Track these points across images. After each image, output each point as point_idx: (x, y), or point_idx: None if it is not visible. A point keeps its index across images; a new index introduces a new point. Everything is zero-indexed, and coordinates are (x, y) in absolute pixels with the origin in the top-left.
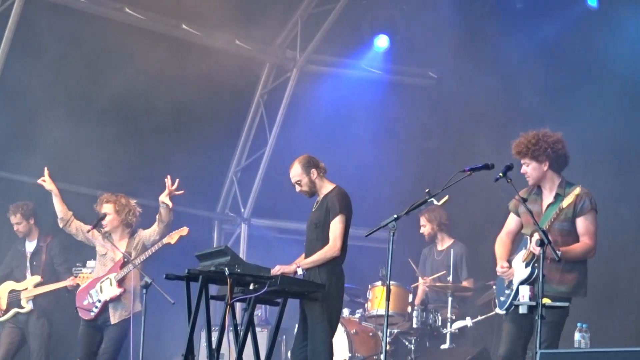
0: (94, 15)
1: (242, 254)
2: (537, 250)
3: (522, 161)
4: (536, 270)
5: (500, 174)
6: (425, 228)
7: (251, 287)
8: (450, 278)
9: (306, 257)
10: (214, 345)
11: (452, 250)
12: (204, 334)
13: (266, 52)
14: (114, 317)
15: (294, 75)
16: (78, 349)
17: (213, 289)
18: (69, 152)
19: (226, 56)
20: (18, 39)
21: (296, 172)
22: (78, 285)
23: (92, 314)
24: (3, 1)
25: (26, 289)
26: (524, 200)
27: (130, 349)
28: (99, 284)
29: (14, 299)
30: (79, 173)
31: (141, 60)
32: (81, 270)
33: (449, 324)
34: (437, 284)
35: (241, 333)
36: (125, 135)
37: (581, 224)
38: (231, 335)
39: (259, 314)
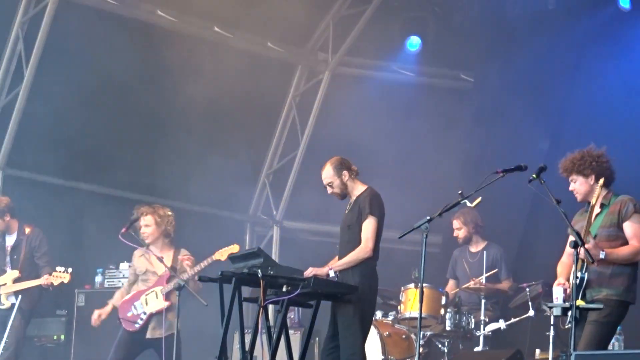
0: (126, 17)
1: (274, 257)
2: (582, 254)
3: (569, 179)
4: (586, 275)
5: (534, 175)
6: (461, 231)
7: (284, 289)
8: (483, 280)
9: (339, 259)
10: (247, 348)
11: (486, 252)
12: (237, 336)
13: (298, 54)
14: (154, 332)
15: (325, 77)
16: (112, 351)
17: (246, 291)
18: (103, 155)
19: (258, 59)
20: (50, 42)
21: (328, 174)
22: (52, 285)
23: (136, 325)
24: (36, 4)
25: (5, 284)
26: (558, 202)
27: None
28: (144, 297)
29: None
30: (112, 175)
31: (173, 63)
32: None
33: (482, 326)
34: (471, 286)
35: (274, 335)
36: (159, 138)
37: (628, 228)
38: (264, 337)
39: (292, 316)
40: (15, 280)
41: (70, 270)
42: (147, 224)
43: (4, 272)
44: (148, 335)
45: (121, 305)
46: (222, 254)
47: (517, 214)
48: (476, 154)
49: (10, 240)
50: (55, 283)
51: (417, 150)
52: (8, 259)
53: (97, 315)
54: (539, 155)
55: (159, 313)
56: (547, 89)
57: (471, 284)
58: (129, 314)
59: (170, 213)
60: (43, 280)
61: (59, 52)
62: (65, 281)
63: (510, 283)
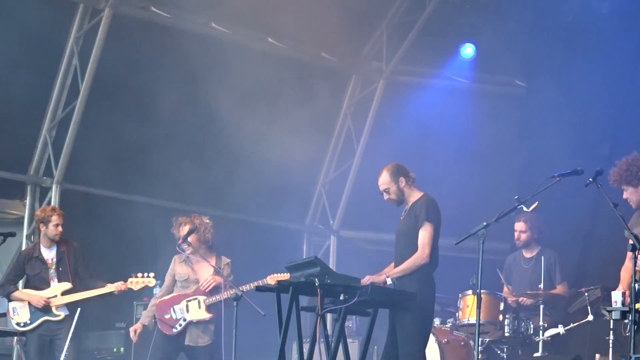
0: (180, 30)
1: (331, 266)
2: None
3: (622, 188)
4: None
5: (590, 179)
6: (524, 234)
7: (341, 297)
8: (541, 285)
9: (395, 266)
10: (305, 357)
11: (542, 256)
12: (295, 346)
13: (352, 64)
14: (196, 339)
15: (380, 86)
16: (150, 353)
17: (303, 300)
18: (157, 167)
19: (312, 69)
20: (104, 56)
21: (384, 180)
22: (122, 291)
23: (174, 330)
24: (90, 19)
25: (55, 296)
26: (615, 206)
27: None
28: (185, 302)
29: (39, 308)
30: (166, 187)
31: (227, 74)
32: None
33: (541, 332)
34: (529, 292)
35: (332, 344)
36: (213, 150)
37: None
38: (322, 346)
39: (350, 325)
40: (66, 292)
41: (152, 274)
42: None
43: (48, 285)
44: (187, 342)
45: (159, 304)
46: (273, 279)
47: (579, 218)
48: (533, 160)
49: (50, 253)
50: (136, 288)
51: (472, 156)
52: (53, 271)
53: (134, 332)
54: (598, 161)
55: (198, 323)
56: (603, 94)
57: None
58: (167, 316)
59: (207, 220)
60: (118, 285)
61: (113, 66)
62: (151, 284)
63: (565, 287)
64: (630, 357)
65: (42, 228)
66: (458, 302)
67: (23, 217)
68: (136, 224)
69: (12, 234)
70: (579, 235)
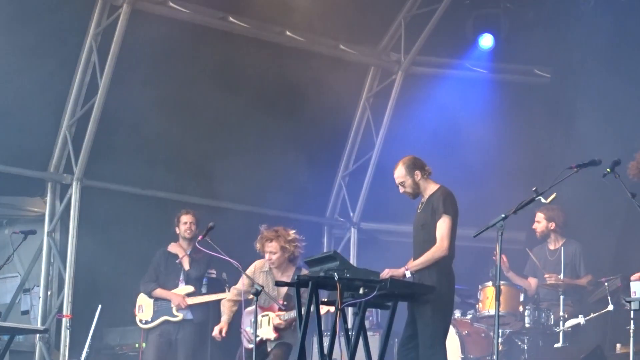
0: (199, 25)
1: (352, 258)
2: None
3: None
4: None
5: (608, 170)
6: (540, 225)
7: (361, 291)
8: (561, 276)
9: (415, 258)
10: (325, 351)
11: (564, 248)
12: (315, 340)
13: (370, 55)
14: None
15: (399, 77)
16: None
17: (323, 295)
18: (178, 163)
19: (331, 61)
20: (123, 53)
21: (400, 173)
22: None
23: (250, 345)
24: (108, 16)
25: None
26: (633, 196)
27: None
28: (261, 317)
29: (161, 307)
30: (188, 183)
31: (246, 69)
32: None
33: (561, 323)
34: (549, 282)
35: (352, 338)
36: (231, 144)
37: None
38: (342, 340)
39: (370, 318)
40: (189, 295)
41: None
42: (272, 251)
43: (176, 285)
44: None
45: (245, 313)
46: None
47: (591, 209)
48: (554, 150)
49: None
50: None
51: (492, 147)
52: (182, 274)
53: (219, 331)
54: (619, 151)
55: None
56: (626, 83)
57: (547, 280)
58: (247, 328)
59: (293, 234)
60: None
61: (132, 63)
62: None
63: (589, 279)
64: None
65: None
66: (478, 294)
67: (44, 215)
68: (160, 221)
69: (33, 232)
70: (599, 226)
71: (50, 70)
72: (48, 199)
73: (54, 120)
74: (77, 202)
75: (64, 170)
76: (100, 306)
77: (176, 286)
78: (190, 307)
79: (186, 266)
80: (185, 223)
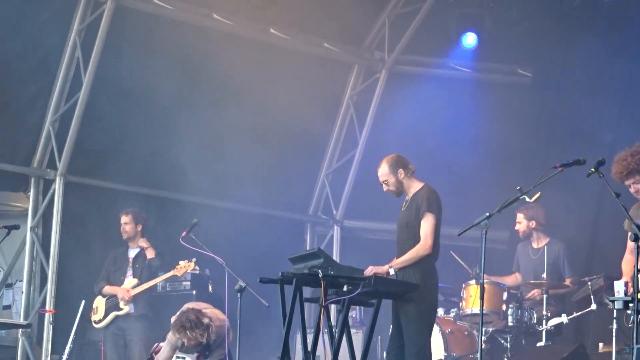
0: (182, 21)
1: (335, 256)
2: None
3: (626, 183)
4: None
5: (592, 169)
6: (521, 225)
7: (345, 288)
8: (544, 275)
9: (398, 257)
10: (309, 348)
11: (547, 248)
12: (299, 337)
13: (354, 53)
14: None
15: (382, 76)
16: None
17: (307, 292)
18: (161, 159)
19: (315, 59)
20: (107, 49)
21: (383, 171)
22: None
23: None
24: (92, 11)
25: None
26: (617, 195)
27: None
28: None
29: (112, 304)
30: (171, 179)
31: (229, 66)
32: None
33: (544, 321)
34: (532, 282)
35: (336, 335)
36: (216, 140)
37: None
38: (326, 337)
39: (354, 316)
40: (134, 287)
41: (194, 259)
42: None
43: (122, 281)
44: None
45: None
46: (179, 270)
47: (584, 208)
48: (537, 149)
49: (132, 252)
50: (179, 274)
51: (475, 146)
52: (130, 268)
53: None
54: (602, 150)
55: None
56: (607, 82)
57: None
58: None
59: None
60: (170, 274)
61: (116, 59)
62: (190, 269)
63: (574, 280)
64: (634, 348)
65: None
66: (461, 292)
67: (27, 210)
68: None
69: (16, 227)
70: (582, 224)
71: (34, 66)
72: (31, 194)
73: (38, 116)
74: (61, 198)
75: (48, 165)
76: (83, 302)
77: (122, 283)
78: (134, 300)
79: (150, 254)
80: (121, 224)
